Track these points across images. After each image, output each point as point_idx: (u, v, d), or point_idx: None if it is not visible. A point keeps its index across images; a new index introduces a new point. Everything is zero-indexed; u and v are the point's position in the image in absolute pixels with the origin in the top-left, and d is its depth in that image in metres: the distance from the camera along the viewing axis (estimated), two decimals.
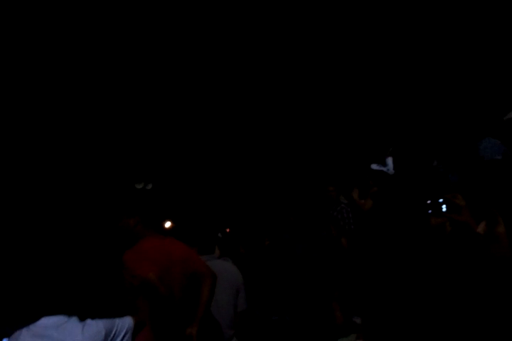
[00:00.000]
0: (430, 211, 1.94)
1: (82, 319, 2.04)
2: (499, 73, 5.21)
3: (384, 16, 5.50)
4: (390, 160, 3.13)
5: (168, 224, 7.13)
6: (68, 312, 2.02)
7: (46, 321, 1.97)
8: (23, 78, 5.69)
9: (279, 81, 6.61)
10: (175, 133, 7.44)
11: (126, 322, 2.17)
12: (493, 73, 5.35)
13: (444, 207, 1.87)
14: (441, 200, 1.88)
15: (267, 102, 6.97)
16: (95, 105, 6.47)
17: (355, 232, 4.36)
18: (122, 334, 2.11)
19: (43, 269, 2.77)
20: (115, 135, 6.94)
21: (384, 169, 3.06)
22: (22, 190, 5.79)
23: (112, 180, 6.80)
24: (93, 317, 2.08)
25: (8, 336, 2.07)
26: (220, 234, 4.36)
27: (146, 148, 7.26)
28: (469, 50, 5.51)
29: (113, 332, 2.07)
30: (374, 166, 3.13)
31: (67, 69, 5.85)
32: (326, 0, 5.42)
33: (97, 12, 5.28)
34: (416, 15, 5.39)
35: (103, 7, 5.22)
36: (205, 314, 2.78)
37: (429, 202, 1.93)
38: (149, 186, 7.20)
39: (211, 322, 3.09)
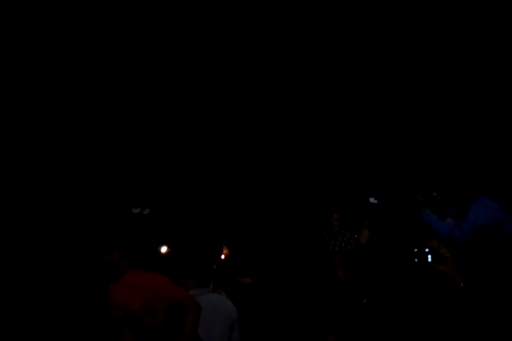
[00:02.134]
0: (416, 260, 1.95)
1: None
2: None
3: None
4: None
5: (164, 249, 7.01)
6: None
7: None
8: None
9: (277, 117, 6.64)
10: (173, 155, 7.41)
11: None
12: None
13: (429, 257, 1.88)
14: (427, 250, 1.88)
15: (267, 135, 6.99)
16: (90, 124, 6.48)
17: (351, 264, 4.28)
18: None
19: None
20: (111, 156, 6.92)
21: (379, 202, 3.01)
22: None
23: (106, 205, 6.74)
24: None
25: None
26: (214, 266, 4.27)
27: (143, 171, 7.22)
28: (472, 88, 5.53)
29: None
30: (372, 200, 3.10)
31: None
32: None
33: (96, 11, 5.31)
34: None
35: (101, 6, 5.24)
36: None
37: (415, 250, 1.94)
38: (146, 211, 7.12)
39: None
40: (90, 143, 6.74)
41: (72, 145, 6.57)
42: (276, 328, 4.03)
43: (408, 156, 5.99)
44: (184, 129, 7.10)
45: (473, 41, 5.36)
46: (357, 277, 2.98)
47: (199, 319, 2.83)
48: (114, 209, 6.95)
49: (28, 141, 6.18)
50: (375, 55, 5.97)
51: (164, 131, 7.04)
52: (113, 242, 2.85)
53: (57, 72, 5.97)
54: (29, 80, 5.89)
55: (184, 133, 7.16)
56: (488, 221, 2.63)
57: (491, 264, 1.84)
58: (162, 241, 6.79)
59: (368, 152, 6.74)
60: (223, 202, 7.72)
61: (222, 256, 5.99)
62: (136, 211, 7.33)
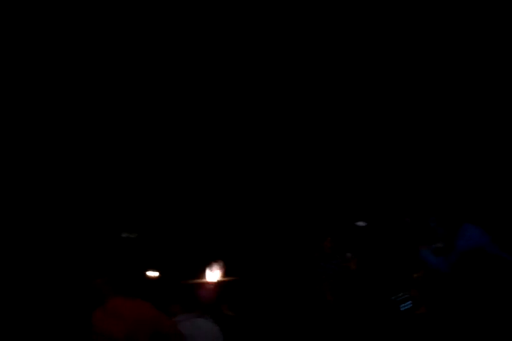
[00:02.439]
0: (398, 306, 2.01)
1: None
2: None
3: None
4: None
5: (151, 274, 6.90)
6: None
7: None
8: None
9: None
10: (161, 177, 7.38)
11: None
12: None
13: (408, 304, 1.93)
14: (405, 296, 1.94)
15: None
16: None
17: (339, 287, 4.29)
18: None
19: None
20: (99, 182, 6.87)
21: (368, 225, 3.02)
22: None
23: (92, 229, 6.65)
24: None
25: None
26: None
27: (132, 196, 7.17)
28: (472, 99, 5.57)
29: None
30: (360, 223, 3.13)
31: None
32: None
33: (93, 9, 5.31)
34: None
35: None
36: None
37: (393, 298, 2.00)
38: (133, 235, 7.02)
39: None
40: (77, 162, 6.70)
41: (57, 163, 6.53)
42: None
43: (400, 178, 6.02)
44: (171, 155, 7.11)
45: (473, 41, 5.41)
46: (344, 299, 3.03)
47: None
48: (100, 234, 6.86)
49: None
50: (374, 56, 6.02)
51: (152, 156, 7.04)
52: (97, 269, 2.86)
53: (54, 72, 5.96)
54: (29, 80, 5.88)
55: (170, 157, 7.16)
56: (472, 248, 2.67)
57: (473, 288, 1.87)
58: (149, 266, 6.69)
59: (358, 173, 6.77)
60: (212, 227, 7.68)
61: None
62: (124, 235, 7.22)
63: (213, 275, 5.07)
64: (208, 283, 5.18)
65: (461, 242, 2.73)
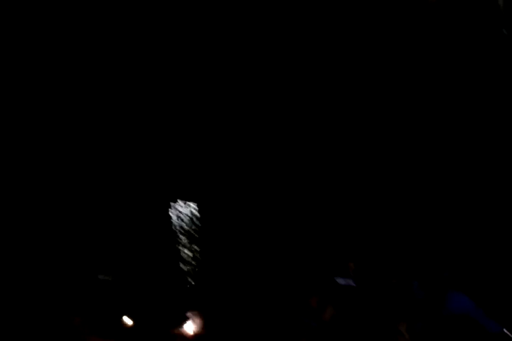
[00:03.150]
0: None
1: None
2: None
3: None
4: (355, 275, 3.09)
5: (128, 321, 6.66)
6: None
7: None
8: None
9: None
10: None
11: None
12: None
13: None
14: None
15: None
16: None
17: None
18: None
19: None
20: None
21: (352, 283, 2.98)
22: None
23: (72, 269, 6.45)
24: None
25: None
26: None
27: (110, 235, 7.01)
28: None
29: None
30: (340, 280, 3.07)
31: None
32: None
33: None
34: None
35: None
36: None
37: None
38: (109, 277, 6.82)
39: None
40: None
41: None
42: None
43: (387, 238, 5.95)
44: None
45: (473, 41, 5.43)
46: None
47: None
48: (80, 275, 6.65)
49: None
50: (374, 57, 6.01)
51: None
52: (76, 308, 2.82)
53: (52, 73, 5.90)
54: (28, 80, 5.80)
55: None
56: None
57: None
58: (125, 311, 6.46)
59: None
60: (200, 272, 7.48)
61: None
62: (102, 277, 7.02)
63: (191, 326, 4.91)
64: (185, 334, 5.00)
65: (448, 307, 2.70)
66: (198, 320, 4.92)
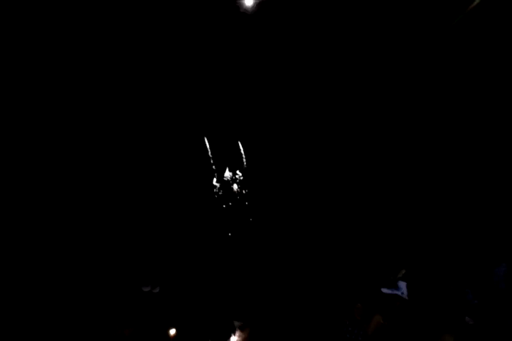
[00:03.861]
0: None
1: None
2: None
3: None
4: (402, 284, 3.05)
5: (173, 332, 6.77)
6: None
7: None
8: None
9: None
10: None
11: None
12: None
13: None
14: None
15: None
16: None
17: None
18: None
19: None
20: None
21: (398, 293, 2.95)
22: None
23: (117, 283, 6.62)
24: None
25: None
26: None
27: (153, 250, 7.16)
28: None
29: None
30: (385, 290, 3.04)
31: None
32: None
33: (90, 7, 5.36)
34: None
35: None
36: None
37: None
38: (156, 289, 6.96)
39: None
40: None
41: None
42: None
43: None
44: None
45: (473, 42, 5.32)
46: None
47: None
48: (125, 287, 6.83)
49: None
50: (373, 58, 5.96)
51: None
52: (124, 319, 2.87)
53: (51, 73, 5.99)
54: (28, 80, 5.89)
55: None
56: None
57: None
58: (172, 322, 6.57)
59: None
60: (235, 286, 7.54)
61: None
62: (146, 289, 7.17)
63: (237, 337, 4.94)
64: None
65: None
66: (243, 332, 4.95)
